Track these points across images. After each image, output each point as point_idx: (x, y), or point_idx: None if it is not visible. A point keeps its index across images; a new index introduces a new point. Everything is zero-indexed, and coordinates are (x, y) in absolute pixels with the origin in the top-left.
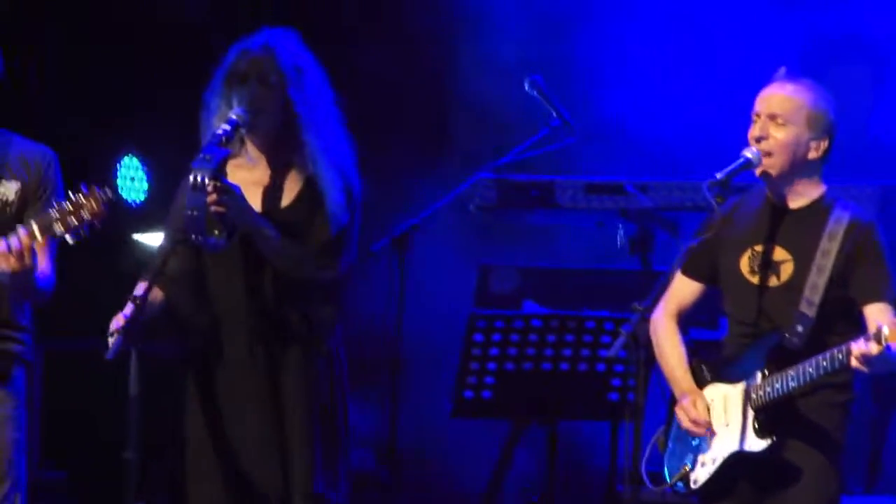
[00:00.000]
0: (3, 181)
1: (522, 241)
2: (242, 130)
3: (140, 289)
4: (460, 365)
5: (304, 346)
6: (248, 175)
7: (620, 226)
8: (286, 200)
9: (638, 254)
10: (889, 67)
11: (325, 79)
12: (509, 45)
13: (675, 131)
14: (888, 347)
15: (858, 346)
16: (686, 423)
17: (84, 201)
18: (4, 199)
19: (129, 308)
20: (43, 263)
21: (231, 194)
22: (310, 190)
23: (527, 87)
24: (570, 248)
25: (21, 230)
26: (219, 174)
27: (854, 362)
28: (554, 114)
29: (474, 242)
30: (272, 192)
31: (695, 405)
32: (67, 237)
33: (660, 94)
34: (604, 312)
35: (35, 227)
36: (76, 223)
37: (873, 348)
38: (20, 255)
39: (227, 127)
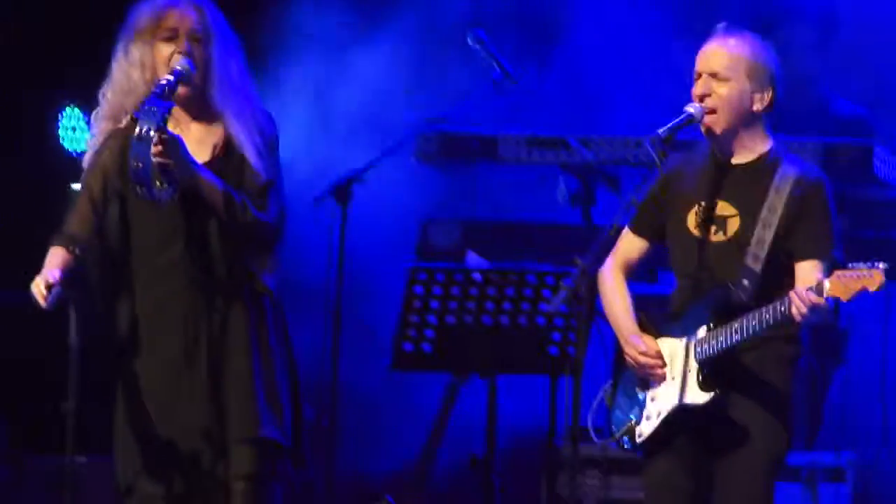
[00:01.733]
0: None
1: (465, 195)
2: (183, 83)
3: (76, 242)
4: (400, 317)
5: (246, 294)
6: (175, 130)
7: (562, 180)
8: (207, 155)
9: (579, 208)
10: (835, 26)
11: (237, 40)
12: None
13: (616, 86)
14: (829, 301)
15: (799, 294)
16: (640, 359)
17: None
18: None
19: (63, 259)
20: None
21: (175, 145)
22: (230, 145)
23: (469, 42)
24: (512, 203)
25: None
26: (163, 126)
27: (795, 313)
28: (496, 66)
29: (417, 196)
30: (200, 147)
31: (644, 342)
32: None
33: (603, 50)
34: (545, 266)
35: None
36: None
37: (814, 299)
38: None
39: (171, 78)
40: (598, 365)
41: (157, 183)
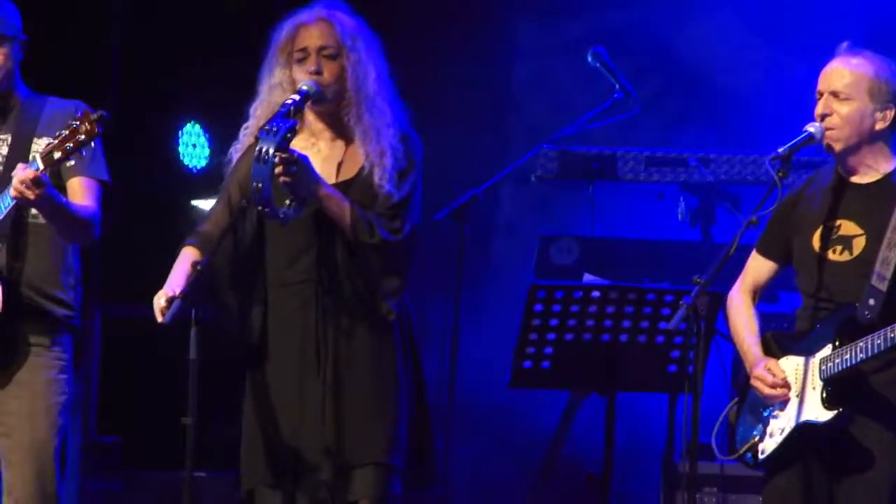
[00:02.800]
0: (36, 139)
1: (583, 213)
2: (310, 102)
3: (198, 256)
4: (520, 335)
5: (372, 315)
6: (310, 149)
7: (682, 198)
8: (348, 174)
9: (699, 226)
10: None
11: (380, 49)
12: (572, 17)
13: (741, 104)
14: None
15: None
16: (766, 390)
17: (79, 124)
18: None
19: (186, 274)
20: (84, 201)
21: (300, 164)
22: (370, 163)
23: (589, 60)
24: (630, 221)
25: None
26: (284, 144)
27: None
28: (616, 86)
29: (535, 214)
30: (334, 165)
31: (771, 369)
32: (70, 162)
33: (724, 68)
34: (664, 285)
35: (38, 159)
36: (73, 147)
37: None
38: (33, 182)
39: (297, 97)
40: (717, 383)
41: (283, 202)
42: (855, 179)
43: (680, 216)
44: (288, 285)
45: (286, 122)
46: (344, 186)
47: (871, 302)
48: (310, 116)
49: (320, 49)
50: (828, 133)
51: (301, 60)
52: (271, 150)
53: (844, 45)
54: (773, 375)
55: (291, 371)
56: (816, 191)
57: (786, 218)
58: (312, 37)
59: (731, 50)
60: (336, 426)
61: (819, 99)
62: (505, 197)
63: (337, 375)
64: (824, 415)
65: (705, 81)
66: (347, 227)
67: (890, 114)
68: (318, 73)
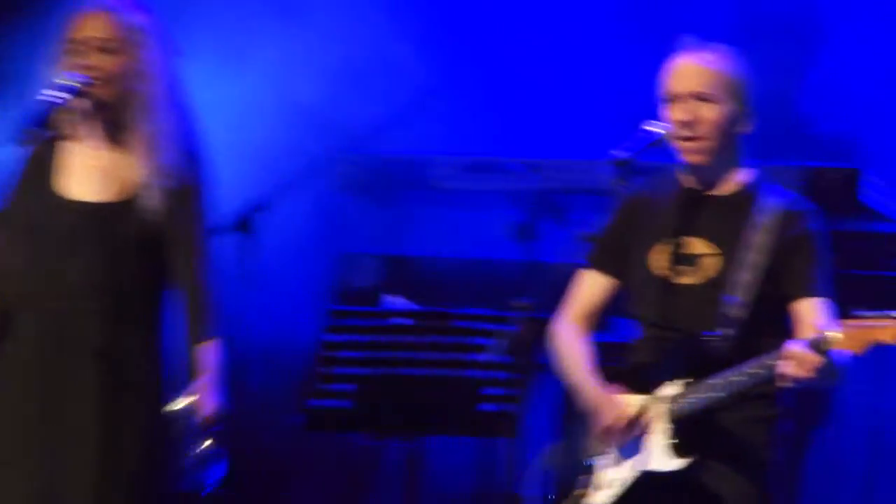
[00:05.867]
0: None
1: (388, 227)
2: (76, 101)
3: None
4: (314, 370)
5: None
6: (88, 159)
7: (504, 210)
8: (115, 191)
9: (523, 242)
10: (815, 44)
11: (168, 47)
12: None
13: (574, 105)
14: (831, 355)
15: (797, 354)
16: (608, 431)
17: None
18: None
19: None
20: None
21: None
22: (158, 179)
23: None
24: (443, 237)
25: None
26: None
27: (789, 372)
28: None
29: (333, 228)
30: (102, 179)
31: (610, 407)
32: None
33: (556, 65)
34: (479, 310)
35: None
36: None
37: (814, 358)
38: None
39: (61, 94)
40: (540, 424)
41: None
42: (707, 191)
43: (502, 231)
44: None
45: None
46: (117, 207)
47: (724, 332)
48: (86, 122)
49: (96, 41)
50: (690, 143)
51: (75, 53)
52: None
53: (687, 39)
54: (619, 412)
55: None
56: (659, 199)
57: (623, 226)
58: (88, 26)
59: (564, 42)
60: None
61: (673, 102)
62: (296, 207)
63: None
64: (672, 463)
65: (532, 77)
66: None
67: (747, 121)
68: (91, 69)
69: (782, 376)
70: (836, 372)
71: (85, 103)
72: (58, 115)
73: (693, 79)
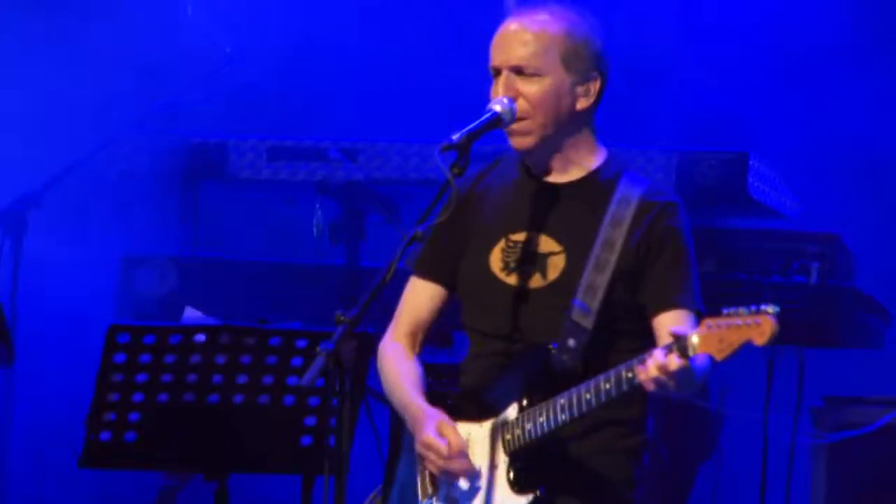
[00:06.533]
0: None
1: (182, 224)
2: None
3: None
4: (95, 395)
5: None
6: None
7: (318, 205)
8: None
9: (342, 244)
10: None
11: None
12: None
13: (398, 85)
14: (693, 360)
15: (656, 359)
16: (438, 462)
17: None
18: None
19: None
20: None
21: None
22: None
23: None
24: (247, 236)
25: None
26: None
27: (647, 380)
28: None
29: (116, 226)
30: None
31: (441, 431)
32: None
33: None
34: (294, 325)
35: None
36: None
37: (674, 362)
38: None
39: None
40: (369, 459)
41: None
42: (551, 179)
43: (315, 230)
44: None
45: None
46: None
47: (571, 342)
48: None
49: None
50: (516, 126)
51: None
52: None
53: (512, 2)
54: (449, 441)
55: None
56: (493, 190)
57: (452, 226)
58: None
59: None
60: None
61: (495, 77)
62: (73, 201)
63: None
64: (514, 501)
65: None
66: None
67: (594, 86)
68: None
69: (638, 387)
70: (695, 380)
71: None
72: None
73: (512, 48)
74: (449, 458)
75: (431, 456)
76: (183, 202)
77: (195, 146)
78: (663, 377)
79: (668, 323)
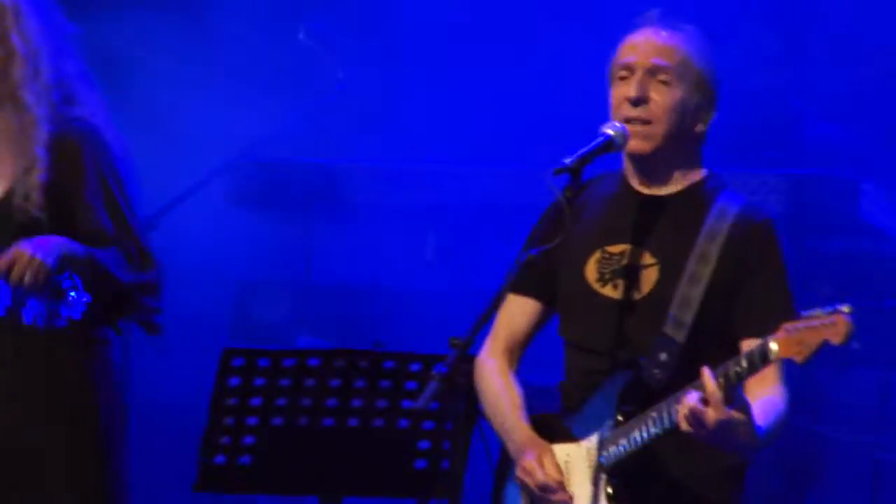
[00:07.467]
0: None
1: (295, 250)
2: None
3: None
4: (209, 419)
5: None
6: None
7: (431, 229)
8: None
9: (454, 267)
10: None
11: (48, 18)
12: None
13: (504, 110)
14: (755, 418)
15: (688, 402)
16: (533, 488)
17: None
18: None
19: None
20: None
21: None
22: (31, 172)
23: (302, 38)
24: (360, 261)
25: None
26: None
27: (683, 423)
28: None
29: (231, 251)
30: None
31: (541, 461)
32: None
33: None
34: (408, 349)
35: None
36: None
37: (712, 414)
38: None
39: None
40: (482, 482)
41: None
42: (651, 191)
43: (428, 254)
44: None
45: None
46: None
47: (664, 357)
48: None
49: None
50: (639, 128)
51: None
52: None
53: (654, 12)
54: (546, 470)
55: None
56: (592, 204)
57: (552, 238)
58: None
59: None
60: None
61: (625, 78)
62: (187, 226)
63: None
64: None
65: (460, 79)
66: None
67: (709, 117)
68: None
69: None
70: (755, 436)
71: None
72: None
73: (650, 52)
74: (547, 489)
75: (530, 483)
76: (297, 227)
77: (309, 171)
78: (696, 423)
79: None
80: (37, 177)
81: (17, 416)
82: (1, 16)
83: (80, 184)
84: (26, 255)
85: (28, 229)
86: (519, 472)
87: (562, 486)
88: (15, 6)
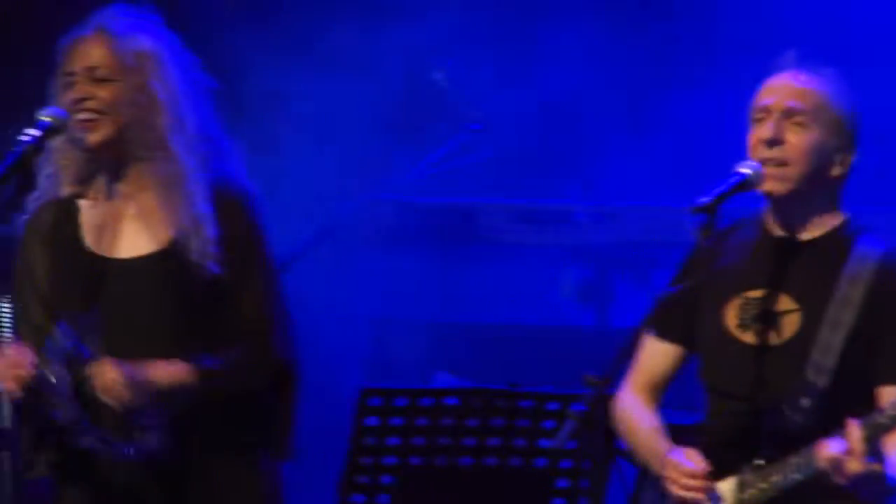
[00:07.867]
0: None
1: (432, 286)
2: (69, 141)
3: None
4: (348, 457)
5: None
6: (112, 209)
7: (568, 267)
8: (158, 242)
9: (591, 305)
10: None
11: (187, 68)
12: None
13: (642, 149)
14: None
15: (831, 451)
16: (681, 480)
17: None
18: None
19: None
20: None
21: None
22: (193, 226)
23: (436, 79)
24: (497, 299)
25: None
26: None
27: (831, 470)
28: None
29: (365, 286)
30: (142, 231)
31: (689, 455)
32: None
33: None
34: (546, 388)
35: None
36: None
37: (853, 465)
38: None
39: (36, 132)
40: None
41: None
42: (791, 236)
43: (564, 291)
44: None
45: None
46: (158, 258)
47: (805, 402)
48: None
49: (89, 70)
50: (774, 170)
51: (69, 86)
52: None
53: (791, 54)
54: (696, 465)
55: None
56: (733, 249)
57: (693, 281)
58: (79, 53)
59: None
60: None
61: (762, 119)
62: (324, 263)
63: None
64: None
65: (600, 112)
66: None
67: (849, 159)
68: (84, 99)
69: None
70: (886, 485)
71: (82, 144)
72: (34, 155)
73: (786, 94)
74: (693, 477)
75: (675, 475)
76: (433, 265)
77: (445, 209)
78: (840, 473)
79: (888, 398)
80: (207, 231)
81: None
82: (142, 61)
83: (254, 244)
84: (116, 389)
85: (202, 285)
86: (667, 472)
87: (707, 477)
88: (156, 54)
